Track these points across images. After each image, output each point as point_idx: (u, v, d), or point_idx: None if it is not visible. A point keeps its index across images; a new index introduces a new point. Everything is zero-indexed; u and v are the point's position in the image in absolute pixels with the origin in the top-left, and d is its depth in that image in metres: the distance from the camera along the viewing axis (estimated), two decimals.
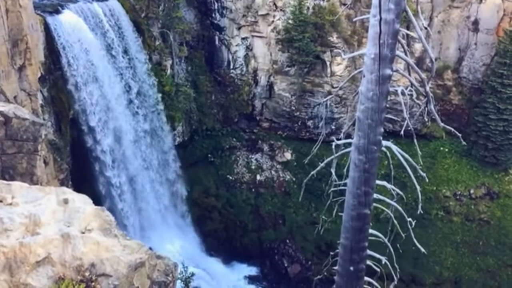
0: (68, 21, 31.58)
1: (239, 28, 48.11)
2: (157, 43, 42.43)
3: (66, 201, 10.43)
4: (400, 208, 16.45)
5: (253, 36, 48.36)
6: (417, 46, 45.57)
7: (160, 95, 41.87)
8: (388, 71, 12.98)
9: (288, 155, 50.38)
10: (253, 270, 46.13)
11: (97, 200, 24.76)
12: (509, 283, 44.56)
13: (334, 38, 45.93)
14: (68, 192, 10.97)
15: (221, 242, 46.58)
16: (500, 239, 46.00)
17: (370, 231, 15.82)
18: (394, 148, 14.95)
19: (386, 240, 16.94)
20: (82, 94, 33.46)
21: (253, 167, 49.56)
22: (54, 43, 30.93)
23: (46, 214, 9.95)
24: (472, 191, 47.65)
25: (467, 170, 48.56)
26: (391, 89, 13.58)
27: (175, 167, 44.88)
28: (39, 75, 29.08)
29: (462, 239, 46.27)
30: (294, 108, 49.56)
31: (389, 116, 16.48)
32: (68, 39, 31.56)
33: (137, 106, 39.49)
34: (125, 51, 37.71)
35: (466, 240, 46.24)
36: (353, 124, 14.61)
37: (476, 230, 46.64)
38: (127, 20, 38.20)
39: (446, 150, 49.40)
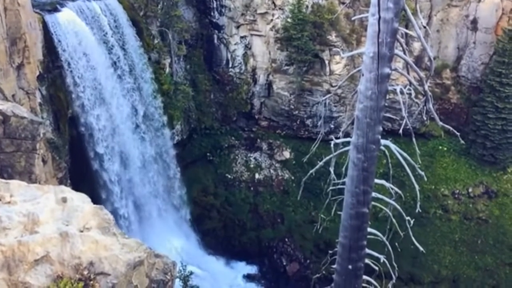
0: (67, 21, 31.14)
1: (238, 27, 48.02)
2: (155, 41, 42.34)
3: (64, 200, 10.42)
4: (398, 207, 16.50)
5: (252, 35, 48.26)
6: (416, 45, 45.50)
7: (165, 118, 40.41)
8: (387, 70, 12.99)
9: (287, 154, 50.35)
10: (251, 269, 46.09)
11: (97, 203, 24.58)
12: (507, 281, 44.59)
13: (333, 37, 45.90)
14: (67, 191, 10.95)
15: (220, 241, 46.55)
16: (498, 237, 46.03)
17: (369, 229, 15.86)
18: (393, 147, 14.98)
19: (384, 239, 16.98)
20: (89, 118, 32.23)
21: (252, 165, 49.53)
22: (57, 53, 30.22)
23: (45, 213, 9.94)
24: (470, 190, 47.65)
25: (466, 169, 48.55)
26: (390, 88, 13.61)
27: (181, 193, 44.74)
28: (37, 73, 28.99)
29: (460, 238, 46.30)
30: (293, 107, 49.52)
31: (387, 115, 16.53)
32: (73, 52, 30.39)
33: (143, 132, 38.20)
34: (131, 70, 36.21)
35: (464, 239, 46.26)
36: (352, 123, 14.64)
37: (474, 229, 46.65)
38: (133, 33, 36.52)
39: (445, 149, 49.39)
